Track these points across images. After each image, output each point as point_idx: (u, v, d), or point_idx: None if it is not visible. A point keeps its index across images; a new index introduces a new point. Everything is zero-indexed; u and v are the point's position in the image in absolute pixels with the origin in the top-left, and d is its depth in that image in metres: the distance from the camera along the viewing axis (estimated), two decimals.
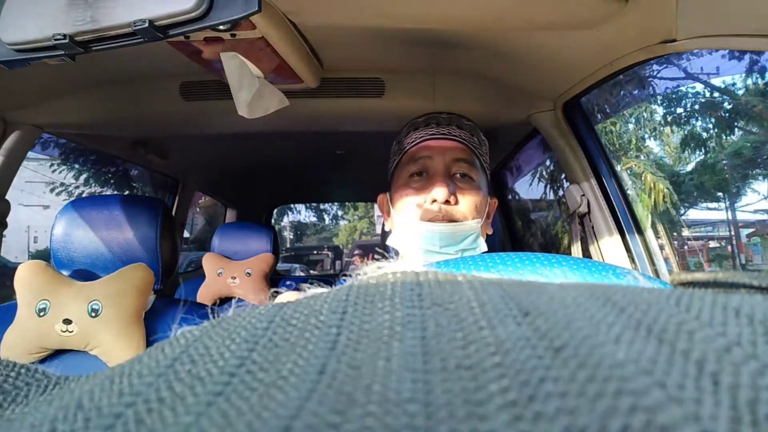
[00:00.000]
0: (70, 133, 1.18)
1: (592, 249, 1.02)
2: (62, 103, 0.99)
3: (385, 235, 0.71)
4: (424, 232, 0.60)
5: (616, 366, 0.08)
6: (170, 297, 1.53)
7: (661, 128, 9.75)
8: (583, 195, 1.01)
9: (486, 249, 0.64)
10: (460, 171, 0.64)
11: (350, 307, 0.12)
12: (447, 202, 0.60)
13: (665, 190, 7.61)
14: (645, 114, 9.36)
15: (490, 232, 0.68)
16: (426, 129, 0.66)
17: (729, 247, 11.21)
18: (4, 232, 0.98)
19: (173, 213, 1.77)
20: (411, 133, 0.67)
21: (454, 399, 0.08)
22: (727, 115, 8.80)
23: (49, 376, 0.15)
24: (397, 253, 0.68)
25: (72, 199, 1.22)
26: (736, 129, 8.89)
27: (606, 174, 1.01)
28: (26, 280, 0.76)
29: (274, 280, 1.73)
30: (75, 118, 1.02)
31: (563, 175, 1.29)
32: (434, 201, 0.60)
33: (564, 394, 0.07)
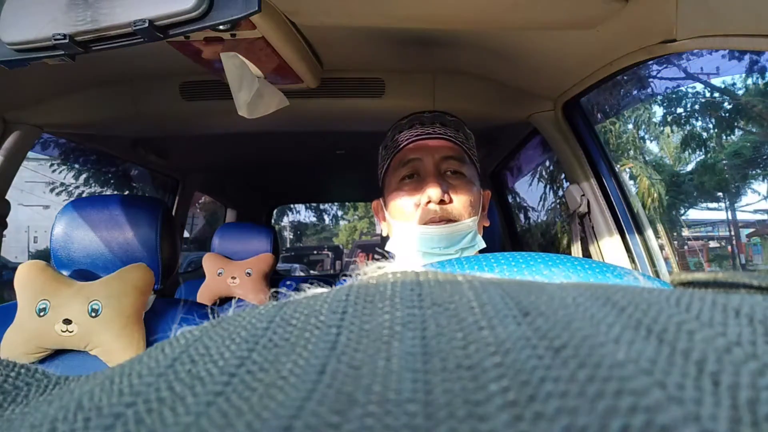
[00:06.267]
0: (70, 133, 1.19)
1: (592, 249, 1.02)
2: (62, 103, 0.99)
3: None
4: (423, 234, 0.60)
5: (616, 366, 0.08)
6: (170, 297, 1.53)
7: (661, 128, 9.75)
8: (583, 195, 1.01)
9: (484, 245, 0.64)
10: (450, 169, 0.63)
11: (350, 307, 0.12)
12: (442, 201, 0.60)
13: (655, 194, 7.65)
14: (644, 114, 9.36)
15: (487, 224, 0.67)
16: (411, 131, 0.65)
17: (729, 247, 11.21)
18: (4, 232, 0.98)
19: (173, 213, 1.77)
20: (396, 137, 0.66)
21: (454, 399, 0.08)
22: (727, 115, 8.80)
23: (49, 376, 0.15)
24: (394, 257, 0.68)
25: (72, 199, 1.22)
26: (736, 129, 8.89)
27: (606, 174, 1.01)
28: (26, 280, 0.76)
29: (274, 280, 1.72)
30: (75, 118, 1.02)
31: (563, 175, 1.29)
32: (429, 202, 0.60)
33: (564, 394, 0.07)
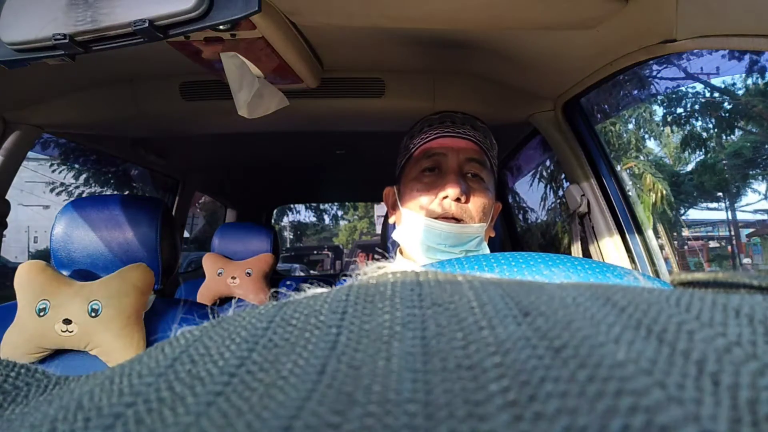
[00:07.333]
0: (70, 133, 1.18)
1: (592, 249, 1.02)
2: (62, 103, 0.99)
3: (385, 234, 0.72)
4: (431, 229, 0.60)
5: (616, 366, 0.08)
6: (170, 297, 1.53)
7: (661, 129, 9.76)
8: (583, 195, 1.01)
9: (488, 253, 0.64)
10: (472, 171, 0.64)
11: (350, 307, 0.12)
12: (458, 200, 0.60)
13: (663, 190, 7.66)
14: (644, 114, 9.37)
15: (492, 235, 0.68)
16: (441, 126, 0.66)
17: (729, 247, 11.21)
18: (4, 232, 0.98)
19: (173, 213, 1.77)
20: (425, 129, 0.67)
21: (454, 399, 0.08)
22: (727, 115, 8.80)
23: (49, 376, 0.15)
24: (396, 244, 0.68)
25: (72, 199, 1.22)
26: (736, 129, 8.89)
27: (606, 174, 1.01)
28: (26, 280, 0.76)
29: (274, 280, 1.72)
30: (75, 118, 1.02)
31: (563, 175, 1.29)
32: (445, 198, 0.60)
33: (564, 394, 0.07)
